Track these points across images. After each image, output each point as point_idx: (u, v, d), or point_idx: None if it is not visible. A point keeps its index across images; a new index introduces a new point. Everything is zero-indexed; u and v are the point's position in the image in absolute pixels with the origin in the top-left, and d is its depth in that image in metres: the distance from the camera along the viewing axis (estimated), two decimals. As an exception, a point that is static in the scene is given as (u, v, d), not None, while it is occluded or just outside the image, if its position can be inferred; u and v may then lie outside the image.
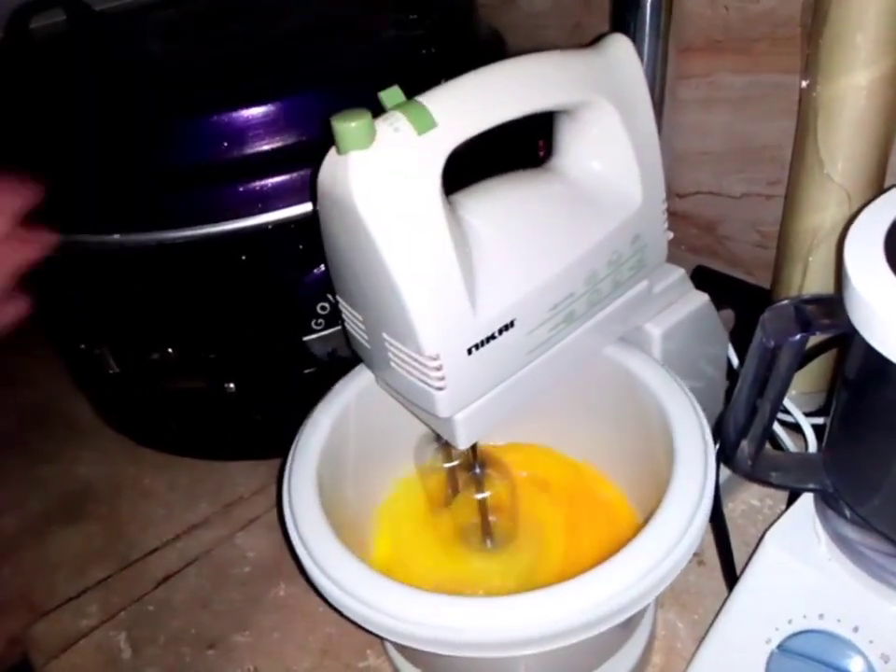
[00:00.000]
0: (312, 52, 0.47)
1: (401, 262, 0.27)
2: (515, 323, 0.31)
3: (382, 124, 0.27)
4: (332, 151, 0.27)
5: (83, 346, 0.48)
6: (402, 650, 0.38)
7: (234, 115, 0.40)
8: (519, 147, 0.45)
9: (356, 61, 0.45)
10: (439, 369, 0.29)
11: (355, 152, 0.26)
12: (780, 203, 0.49)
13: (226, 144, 0.40)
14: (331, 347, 0.46)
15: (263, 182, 0.40)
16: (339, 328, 0.45)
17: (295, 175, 0.41)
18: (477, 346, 0.30)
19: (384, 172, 0.27)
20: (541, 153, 0.52)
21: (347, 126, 0.26)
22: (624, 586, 0.28)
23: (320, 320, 0.44)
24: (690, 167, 0.56)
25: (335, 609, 0.30)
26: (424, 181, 0.28)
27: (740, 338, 0.44)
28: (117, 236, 0.40)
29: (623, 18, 0.49)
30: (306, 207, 0.41)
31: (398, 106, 0.28)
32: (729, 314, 0.51)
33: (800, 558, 0.32)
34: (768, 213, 0.53)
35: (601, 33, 0.35)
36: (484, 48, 0.52)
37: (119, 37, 0.55)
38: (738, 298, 0.53)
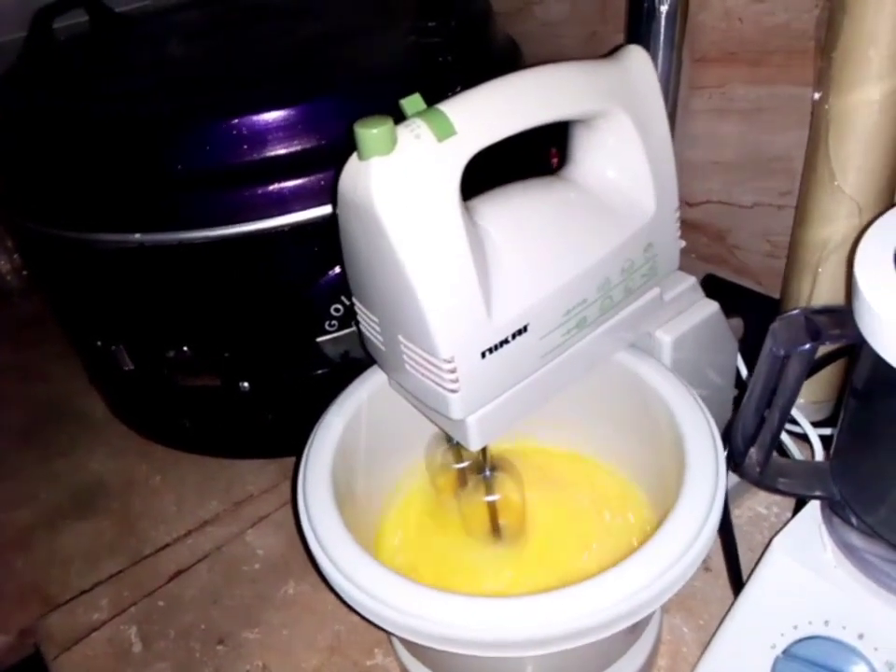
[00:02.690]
0: (331, 58, 0.48)
1: (419, 266, 0.28)
2: (529, 328, 0.31)
3: (403, 131, 0.27)
4: (354, 157, 0.28)
5: (99, 343, 0.49)
6: (411, 648, 0.38)
7: (254, 119, 0.41)
8: (532, 155, 0.46)
9: (374, 67, 0.46)
10: (453, 371, 0.30)
11: (376, 158, 0.27)
12: (791, 213, 0.49)
13: (245, 147, 0.41)
14: (344, 349, 0.46)
15: (281, 185, 0.41)
16: (352, 329, 0.45)
17: (312, 178, 0.41)
18: (491, 350, 0.30)
19: (404, 177, 0.27)
20: (554, 161, 0.53)
21: (369, 132, 0.27)
22: (634, 590, 0.29)
23: (334, 322, 0.45)
24: (701, 176, 0.57)
25: (347, 606, 0.30)
26: (443, 187, 0.28)
27: (749, 346, 0.44)
28: (137, 235, 0.41)
29: (639, 28, 0.49)
30: (322, 210, 0.42)
31: (418, 114, 0.28)
32: (738, 322, 0.51)
33: (806, 565, 0.33)
34: (778, 223, 0.53)
35: (617, 44, 0.35)
36: (500, 56, 0.53)
37: (140, 39, 0.56)
38: (747, 307, 0.53)
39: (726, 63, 0.52)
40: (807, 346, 0.29)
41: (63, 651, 0.44)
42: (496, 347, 0.31)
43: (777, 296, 0.53)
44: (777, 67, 0.50)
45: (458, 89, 0.30)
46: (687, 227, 0.59)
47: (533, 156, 0.48)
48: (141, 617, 0.45)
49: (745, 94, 0.52)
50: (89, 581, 0.48)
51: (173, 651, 0.43)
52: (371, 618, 0.30)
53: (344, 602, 0.30)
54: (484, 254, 0.31)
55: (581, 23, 0.61)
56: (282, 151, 0.41)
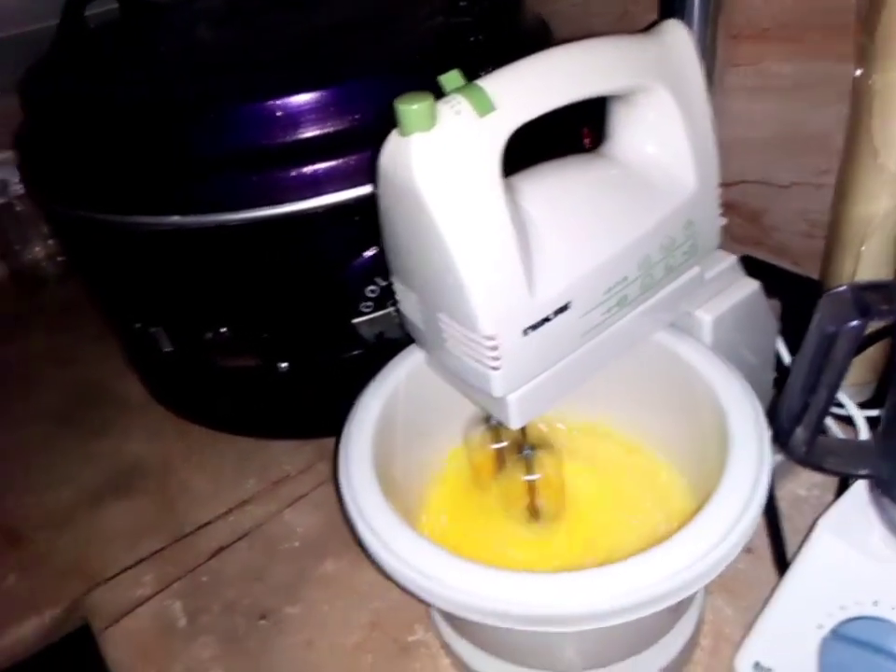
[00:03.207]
0: (362, 39, 0.48)
1: (461, 243, 0.28)
2: (570, 305, 0.31)
3: (443, 107, 0.27)
4: (394, 133, 0.28)
5: (138, 326, 0.50)
6: (452, 623, 0.39)
7: (289, 101, 0.41)
8: (565, 134, 0.46)
9: (405, 47, 0.46)
10: (495, 349, 0.30)
11: (417, 134, 0.27)
12: (830, 192, 0.48)
13: (281, 129, 0.41)
14: (379, 330, 0.46)
15: (316, 167, 0.41)
16: (387, 311, 0.46)
17: (347, 159, 0.41)
18: (533, 327, 0.30)
19: (445, 153, 0.27)
20: (586, 141, 0.53)
21: (410, 108, 0.27)
22: (680, 568, 0.28)
23: (369, 303, 0.45)
24: (736, 156, 0.56)
25: (390, 580, 0.31)
26: (484, 163, 0.28)
27: (787, 328, 0.44)
28: (175, 218, 0.41)
29: (672, 5, 0.49)
30: (357, 192, 0.42)
31: (458, 90, 0.28)
32: (774, 304, 0.51)
33: (853, 545, 0.32)
34: (817, 202, 0.52)
35: (649, 23, 0.35)
36: (530, 36, 0.52)
37: (171, 25, 0.57)
38: (784, 288, 0.53)
39: (762, 40, 0.51)
40: (856, 323, 0.28)
41: (111, 625, 0.45)
42: (537, 325, 0.31)
43: (814, 276, 0.52)
44: (815, 43, 0.49)
45: (489, 69, 0.29)
46: (722, 207, 0.58)
47: (566, 135, 0.48)
48: (185, 592, 0.46)
49: (781, 71, 0.51)
50: (132, 557, 0.49)
51: (217, 625, 0.44)
52: (416, 591, 0.30)
53: (388, 576, 0.31)
54: (525, 231, 0.31)
55: (612, 2, 0.60)
56: (316, 133, 0.42)
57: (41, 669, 0.49)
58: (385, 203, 0.30)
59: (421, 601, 0.30)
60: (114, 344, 0.64)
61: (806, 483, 0.46)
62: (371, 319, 0.46)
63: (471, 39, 0.47)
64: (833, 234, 0.47)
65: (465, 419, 0.40)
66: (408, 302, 0.33)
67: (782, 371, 0.45)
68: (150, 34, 0.56)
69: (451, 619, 0.39)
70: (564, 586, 0.29)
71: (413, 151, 0.27)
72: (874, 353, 0.46)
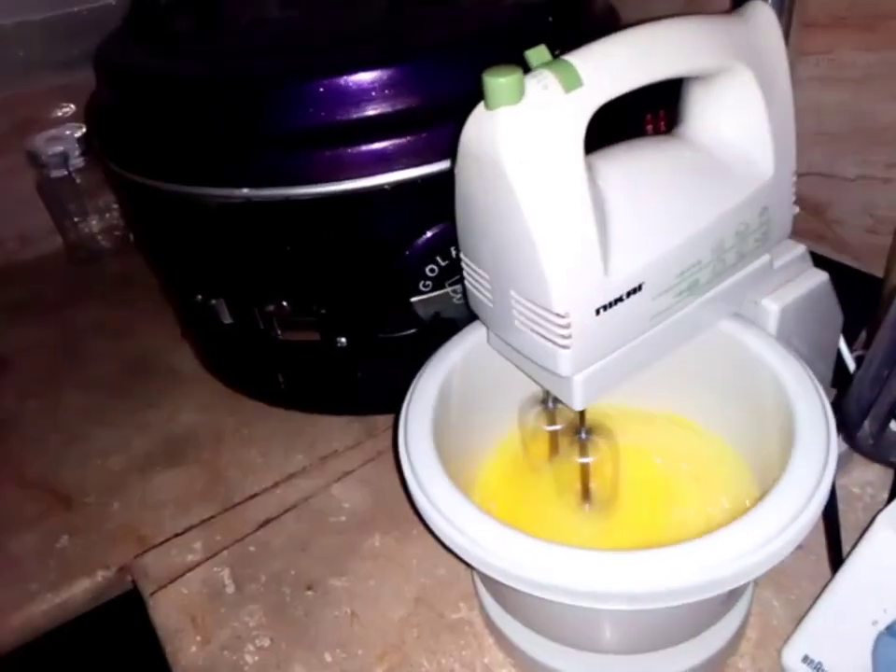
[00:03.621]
0: (432, 17, 0.48)
1: (541, 219, 0.28)
2: (643, 287, 0.31)
3: (531, 81, 0.27)
4: (479, 107, 0.28)
5: (199, 297, 0.50)
6: (497, 601, 0.39)
7: (358, 77, 0.41)
8: (629, 121, 0.45)
9: (476, 26, 0.46)
10: (566, 327, 0.30)
11: (504, 108, 0.27)
12: (898, 187, 0.47)
13: (350, 106, 0.41)
14: (435, 309, 0.47)
15: (384, 143, 0.41)
16: (444, 290, 0.46)
17: (414, 137, 0.41)
18: (605, 307, 0.30)
19: (531, 128, 0.27)
20: (648, 127, 0.52)
21: (498, 81, 0.27)
22: (738, 554, 0.28)
23: (428, 282, 0.45)
24: (802, 147, 0.54)
25: (447, 548, 0.31)
26: (569, 139, 0.28)
27: (845, 325, 0.43)
28: (245, 190, 0.42)
29: (745, -9, 0.48)
30: (423, 170, 0.42)
31: (544, 64, 0.28)
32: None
33: (916, 541, 0.32)
34: (883, 197, 0.51)
35: (720, 10, 0.34)
36: (599, 20, 0.52)
37: (242, 1, 0.57)
38: (845, 284, 0.52)
39: (836, 28, 0.50)
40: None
41: (160, 589, 0.46)
42: (610, 305, 0.30)
43: (875, 273, 0.51)
44: (891, 33, 0.48)
45: (558, 52, 0.29)
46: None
47: (630, 122, 0.47)
48: (233, 561, 0.47)
49: (854, 61, 0.50)
50: (181, 524, 0.50)
51: (264, 594, 0.45)
52: (472, 561, 0.30)
53: (444, 545, 0.31)
54: (602, 210, 0.30)
55: (679, -12, 0.59)
56: (385, 110, 0.42)
57: (91, 630, 0.50)
58: (464, 177, 0.30)
59: (474, 570, 0.31)
60: (167, 318, 0.65)
61: (860, 480, 0.45)
62: (428, 298, 0.46)
63: (541, 21, 0.46)
64: (901, 230, 0.46)
65: (520, 403, 0.40)
66: (477, 280, 0.34)
67: (840, 368, 0.44)
68: (221, 9, 0.56)
69: (497, 596, 0.39)
70: (617, 564, 0.29)
71: (499, 125, 0.27)
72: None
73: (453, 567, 0.44)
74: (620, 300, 0.31)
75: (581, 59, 0.28)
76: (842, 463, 0.45)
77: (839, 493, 0.45)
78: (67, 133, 0.74)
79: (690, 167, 0.34)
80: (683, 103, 0.35)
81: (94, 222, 0.78)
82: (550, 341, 0.31)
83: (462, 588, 0.43)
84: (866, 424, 0.32)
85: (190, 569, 0.47)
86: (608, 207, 0.31)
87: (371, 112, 0.41)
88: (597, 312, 0.30)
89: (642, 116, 0.51)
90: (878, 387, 0.31)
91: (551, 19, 0.46)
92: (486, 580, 0.38)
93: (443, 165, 0.41)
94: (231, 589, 0.46)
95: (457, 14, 0.48)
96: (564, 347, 0.30)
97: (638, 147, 0.34)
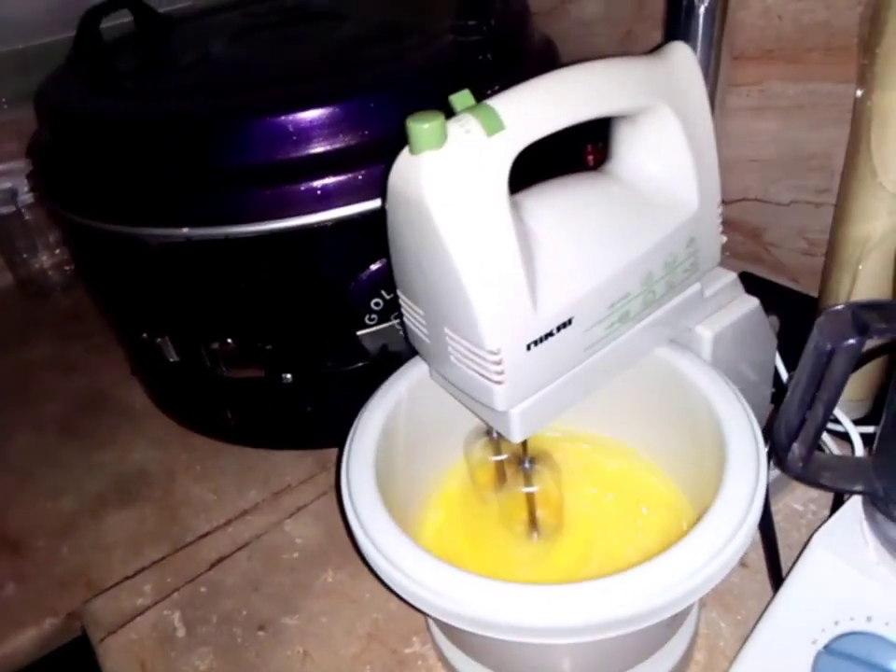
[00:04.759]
0: (371, 56, 0.49)
1: (468, 259, 0.29)
2: (573, 321, 0.32)
3: (454, 125, 0.28)
4: (405, 151, 0.29)
5: (145, 336, 0.50)
6: (449, 636, 0.39)
7: (299, 116, 0.42)
8: (569, 153, 0.46)
9: (414, 65, 0.47)
10: (498, 363, 0.30)
11: (428, 152, 0.28)
12: (829, 211, 0.49)
13: (290, 144, 0.42)
14: (382, 342, 0.47)
15: (325, 181, 0.42)
16: (391, 323, 0.46)
17: (355, 174, 0.42)
18: (536, 342, 0.31)
19: (454, 172, 0.28)
20: (590, 158, 0.53)
21: (421, 127, 0.27)
22: (674, 581, 0.29)
23: (373, 316, 0.46)
24: (737, 174, 0.57)
25: (390, 590, 0.31)
26: (492, 181, 0.29)
27: (785, 344, 0.44)
28: (185, 230, 0.42)
29: (677, 26, 0.49)
30: (364, 206, 0.42)
31: (468, 109, 0.29)
32: (773, 320, 0.51)
33: (848, 561, 0.32)
34: (816, 220, 0.53)
35: (653, 42, 0.36)
36: (537, 55, 0.53)
37: (184, 39, 0.58)
38: (783, 305, 0.53)
39: (764, 61, 0.52)
40: (854, 341, 0.29)
41: (109, 635, 0.45)
42: (541, 340, 0.31)
43: (813, 294, 0.53)
44: (816, 65, 0.50)
45: (496, 87, 0.30)
46: (722, 225, 0.59)
47: (570, 153, 0.48)
48: (184, 602, 0.46)
49: (783, 91, 0.52)
50: (132, 567, 0.49)
51: (215, 636, 0.44)
52: (415, 602, 0.30)
53: (388, 587, 0.31)
54: (530, 248, 0.31)
55: (617, 22, 0.61)
56: (325, 148, 0.42)
57: (39, 678, 0.49)
58: (393, 220, 0.31)
59: (420, 612, 0.31)
60: (118, 354, 0.65)
61: (802, 497, 0.47)
62: (374, 332, 0.46)
63: (480, 58, 0.47)
64: (831, 252, 0.47)
65: (466, 434, 0.41)
66: (413, 316, 0.34)
67: (779, 387, 0.45)
68: (165, 47, 0.56)
69: (448, 631, 0.39)
70: (558, 598, 0.29)
71: (423, 169, 0.28)
72: (870, 370, 0.47)
73: (405, 600, 0.44)
74: (550, 334, 0.31)
75: (503, 103, 0.29)
76: (785, 482, 0.46)
77: (782, 512, 0.46)
78: (15, 169, 0.73)
79: (618, 202, 0.35)
80: (611, 140, 0.36)
81: (44, 258, 0.77)
82: (484, 377, 0.31)
83: (414, 622, 0.43)
84: (795, 447, 0.33)
85: (140, 613, 0.46)
86: (536, 244, 0.31)
87: (309, 150, 0.42)
88: (528, 347, 0.31)
89: (583, 148, 0.52)
90: (804, 411, 0.32)
91: (490, 56, 0.47)
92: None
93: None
94: (181, 632, 0.45)
95: (398, 51, 0.49)
96: (497, 383, 0.31)
97: (568, 184, 0.35)
